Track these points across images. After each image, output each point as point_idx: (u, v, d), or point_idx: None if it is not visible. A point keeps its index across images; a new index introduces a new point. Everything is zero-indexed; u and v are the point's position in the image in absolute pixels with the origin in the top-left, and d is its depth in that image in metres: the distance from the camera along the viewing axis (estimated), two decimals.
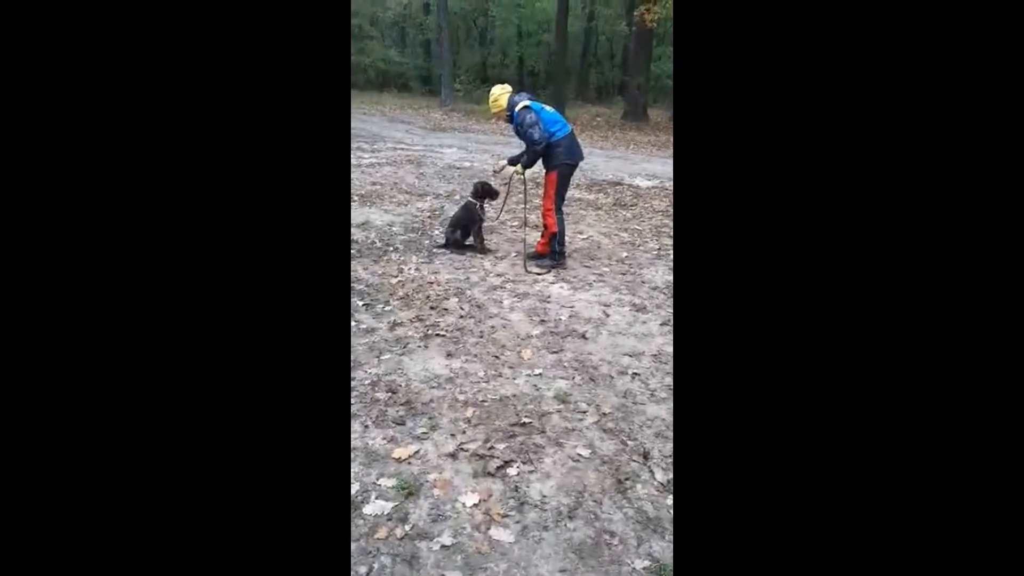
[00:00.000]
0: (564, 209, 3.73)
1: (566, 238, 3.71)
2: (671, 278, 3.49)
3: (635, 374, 2.34)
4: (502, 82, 3.83)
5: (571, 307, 3.00)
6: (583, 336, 2.67)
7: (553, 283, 3.34)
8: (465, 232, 3.85)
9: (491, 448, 1.80)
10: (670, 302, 3.11)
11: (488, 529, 1.47)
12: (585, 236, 4.34)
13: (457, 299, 3.04)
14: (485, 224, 4.00)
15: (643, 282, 3.42)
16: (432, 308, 2.90)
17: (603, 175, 6.91)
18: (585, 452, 1.81)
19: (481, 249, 3.83)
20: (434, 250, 3.84)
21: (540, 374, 2.30)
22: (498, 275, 3.43)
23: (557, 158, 3.41)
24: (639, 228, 4.68)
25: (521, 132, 3.43)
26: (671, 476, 1.71)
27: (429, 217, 4.66)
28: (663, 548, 1.43)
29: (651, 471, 1.73)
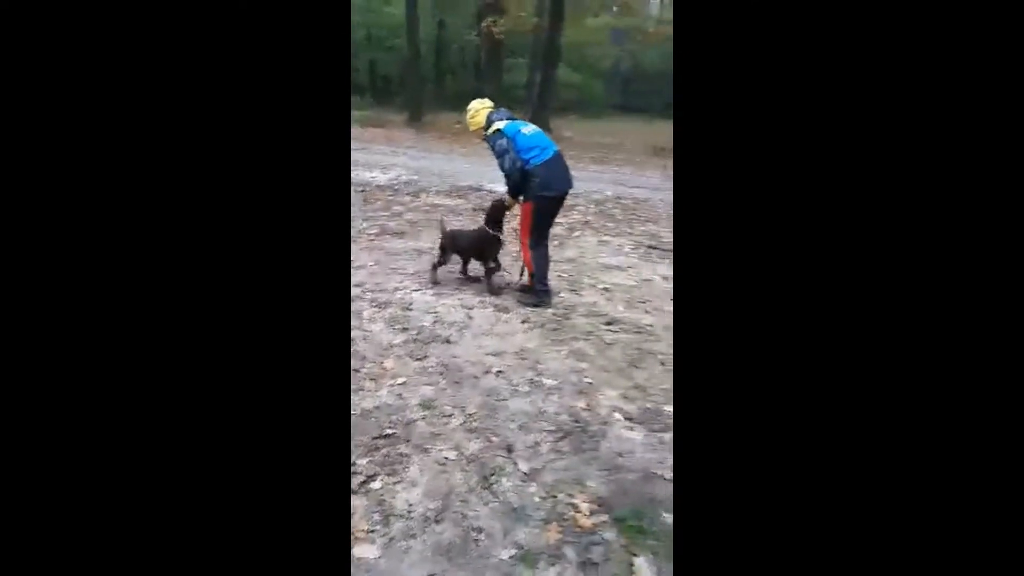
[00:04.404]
0: (552, 229, 3.29)
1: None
2: (525, 280, 3.65)
3: (499, 372, 2.41)
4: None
5: (434, 312, 3.00)
6: (447, 340, 2.68)
7: (416, 290, 3.31)
8: (468, 262, 3.44)
9: (352, 464, 1.73)
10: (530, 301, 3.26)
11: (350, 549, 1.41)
12: None
13: None
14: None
15: (506, 283, 3.53)
16: None
17: (463, 181, 7.01)
18: (451, 454, 1.82)
19: (492, 288, 3.33)
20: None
21: (404, 383, 2.26)
22: (356, 285, 3.31)
23: (532, 189, 3.00)
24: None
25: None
26: (534, 465, 1.79)
27: None
28: (527, 534, 1.50)
29: (515, 463, 1.80)
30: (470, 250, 3.41)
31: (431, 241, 4.41)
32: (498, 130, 3.06)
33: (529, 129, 3.10)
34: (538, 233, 3.11)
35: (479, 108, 3.23)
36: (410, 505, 1.58)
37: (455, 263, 3.51)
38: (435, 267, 3.41)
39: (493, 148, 3.07)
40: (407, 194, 6.13)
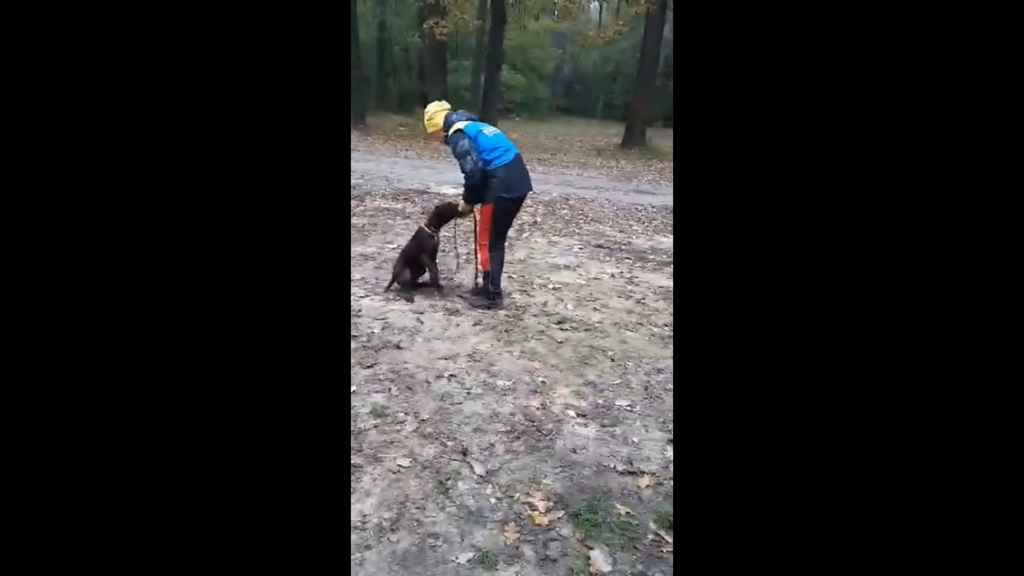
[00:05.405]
0: (510, 232, 3.34)
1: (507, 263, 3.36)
2: (480, 282, 3.66)
3: (451, 376, 2.40)
4: None
5: (384, 319, 2.95)
6: (397, 346, 2.64)
7: (364, 297, 3.25)
8: (416, 269, 3.33)
9: None
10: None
11: None
12: (395, 246, 4.30)
13: None
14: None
15: (456, 287, 3.52)
16: None
17: (409, 184, 6.93)
18: (405, 462, 1.79)
19: (436, 285, 3.36)
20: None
21: (354, 391, 2.21)
22: None
23: (492, 190, 2.97)
24: (447, 234, 4.79)
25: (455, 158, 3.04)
26: (490, 467, 1.79)
27: None
28: (485, 536, 1.50)
29: (471, 466, 1.79)
30: (417, 257, 3.37)
31: (377, 246, 4.34)
32: (459, 130, 3.00)
33: (490, 130, 3.07)
34: (496, 234, 3.10)
35: (436, 110, 3.16)
36: (364, 516, 1.54)
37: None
38: (410, 285, 3.35)
39: (454, 149, 3.01)
40: (352, 198, 6.00)
